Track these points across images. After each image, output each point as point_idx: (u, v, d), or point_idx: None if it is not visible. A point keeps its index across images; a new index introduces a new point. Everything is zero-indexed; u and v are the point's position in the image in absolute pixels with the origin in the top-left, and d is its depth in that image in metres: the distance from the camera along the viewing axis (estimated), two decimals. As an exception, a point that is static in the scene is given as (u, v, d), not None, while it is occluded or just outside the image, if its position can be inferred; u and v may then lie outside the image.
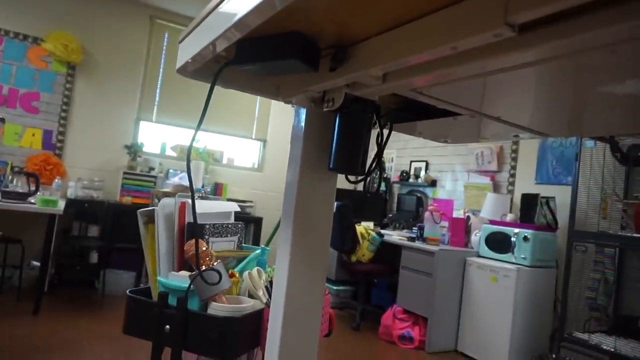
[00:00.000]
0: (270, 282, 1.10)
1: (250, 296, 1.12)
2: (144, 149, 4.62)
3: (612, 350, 2.62)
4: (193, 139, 0.71)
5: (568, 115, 0.70)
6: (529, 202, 3.59)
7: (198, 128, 0.72)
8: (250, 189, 5.31)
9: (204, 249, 1.02)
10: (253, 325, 1.03)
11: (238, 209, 1.41)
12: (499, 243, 3.52)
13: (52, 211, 3.24)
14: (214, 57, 0.66)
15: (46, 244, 3.29)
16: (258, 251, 1.31)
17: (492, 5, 0.41)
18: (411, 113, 0.84)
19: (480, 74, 0.52)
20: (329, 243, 0.89)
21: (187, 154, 0.73)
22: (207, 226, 1.21)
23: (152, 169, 4.59)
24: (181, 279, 1.08)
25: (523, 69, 0.49)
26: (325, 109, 0.75)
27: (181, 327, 0.98)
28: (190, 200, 1.20)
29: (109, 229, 4.08)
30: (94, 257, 4.07)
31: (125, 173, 4.31)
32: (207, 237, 1.20)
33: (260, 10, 0.46)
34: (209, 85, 0.72)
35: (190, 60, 0.68)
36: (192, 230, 1.19)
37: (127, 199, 4.21)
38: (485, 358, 3.28)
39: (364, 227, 4.24)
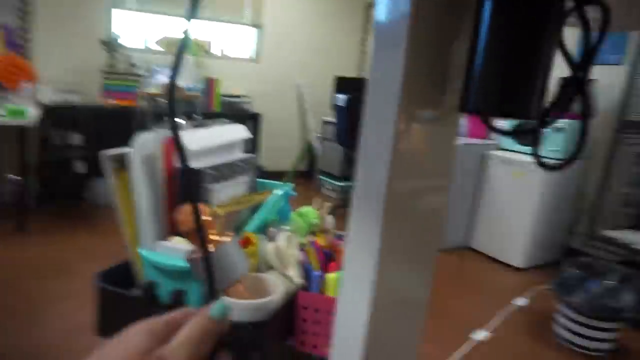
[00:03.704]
0: (304, 251, 0.78)
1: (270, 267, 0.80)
2: (124, 44, 4.01)
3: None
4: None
5: None
6: (566, 87, 3.17)
7: (193, 11, 0.37)
8: (247, 82, 4.80)
9: (207, 218, 0.68)
10: (284, 321, 0.73)
11: (248, 135, 1.04)
12: (525, 135, 3.19)
13: (21, 123, 2.83)
14: None
15: (21, 158, 2.94)
16: (278, 193, 0.97)
17: None
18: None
19: None
20: (440, 234, 0.55)
21: (177, 52, 0.38)
22: (207, 171, 0.85)
23: (133, 65, 4.03)
24: (174, 253, 0.76)
25: None
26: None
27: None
28: (179, 133, 0.83)
29: (94, 136, 3.69)
30: (79, 167, 3.74)
31: (105, 73, 3.78)
32: (208, 185, 0.85)
33: None
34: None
35: None
36: (186, 180, 0.83)
37: (111, 102, 3.75)
38: (500, 255, 3.16)
39: (373, 122, 3.87)
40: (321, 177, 4.93)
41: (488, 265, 3.08)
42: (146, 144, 0.82)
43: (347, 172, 4.65)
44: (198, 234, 0.69)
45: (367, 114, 0.50)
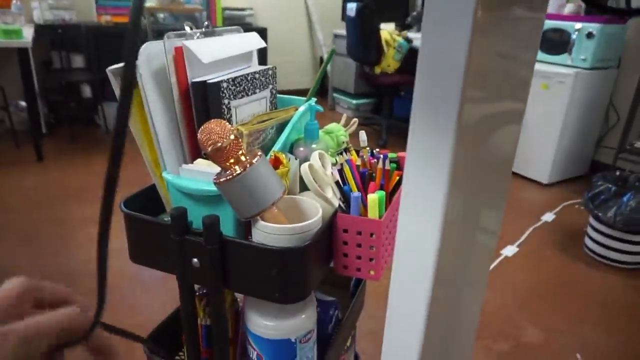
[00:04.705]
0: (340, 171, 0.71)
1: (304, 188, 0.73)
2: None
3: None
4: None
5: None
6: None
7: None
8: (249, -7, 4.48)
9: (231, 137, 0.59)
10: (324, 244, 0.67)
11: (262, 44, 0.92)
12: (553, 42, 2.96)
13: (19, 44, 2.67)
14: None
15: (26, 82, 2.82)
16: (302, 109, 0.88)
17: None
18: None
19: None
20: (512, 162, 0.46)
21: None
22: (224, 84, 0.75)
23: (126, -24, 3.75)
24: (202, 177, 0.69)
25: None
26: None
27: (217, 262, 0.62)
28: (188, 43, 0.72)
29: (95, 58, 3.53)
30: (87, 91, 3.63)
31: (96, -15, 3.52)
32: (226, 102, 0.76)
33: None
34: None
35: None
36: (203, 95, 0.74)
37: (107, 19, 3.52)
38: (525, 171, 3.08)
39: (389, 32, 3.63)
40: (335, 94, 4.76)
41: (514, 182, 3.02)
42: (154, 55, 0.71)
43: (362, 89, 4.46)
44: (225, 155, 0.61)
45: (428, 5, 0.39)
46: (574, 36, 2.81)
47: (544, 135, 2.93)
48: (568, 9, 3.05)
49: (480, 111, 0.41)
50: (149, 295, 1.75)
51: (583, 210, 2.23)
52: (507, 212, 2.45)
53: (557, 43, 2.93)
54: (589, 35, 2.74)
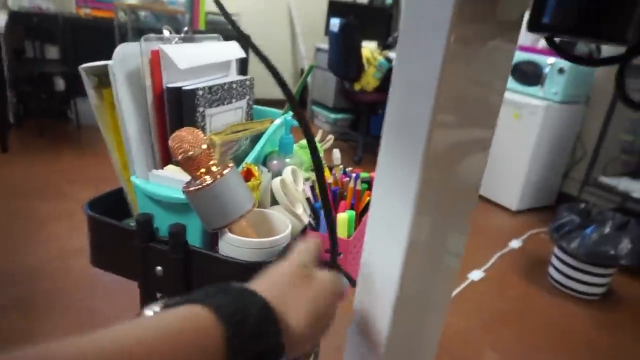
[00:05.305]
0: (312, 187, 0.70)
1: (274, 202, 0.72)
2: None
3: (640, 196, 2.46)
4: None
5: None
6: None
7: None
8: None
9: (203, 146, 0.58)
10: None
11: (242, 54, 0.91)
12: (527, 74, 3.07)
13: (-9, 30, 2.59)
14: None
15: (-5, 71, 2.73)
16: (277, 121, 0.88)
17: None
18: None
19: None
20: (479, 186, 0.47)
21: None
22: (200, 92, 0.74)
23: (110, -28, 3.69)
24: (171, 184, 0.67)
25: None
26: None
27: (180, 272, 0.61)
28: (165, 47, 0.71)
29: (71, 50, 3.44)
30: (60, 84, 3.53)
31: (78, -22, 3.45)
32: (201, 109, 0.75)
33: None
34: None
35: None
36: (177, 101, 0.73)
37: (86, 12, 3.45)
38: (494, 197, 3.16)
39: (370, 51, 3.68)
40: (314, 107, 4.78)
41: (483, 207, 3.08)
42: (130, 56, 0.70)
43: (341, 104, 4.50)
44: (196, 164, 0.60)
45: (404, 30, 0.40)
46: (546, 70, 2.92)
47: (514, 163, 3.01)
48: (542, 43, 3.17)
49: (449, 136, 0.42)
50: (109, 300, 1.69)
51: (548, 240, 2.29)
52: (475, 237, 2.47)
53: (531, 75, 3.03)
54: (560, 70, 2.85)
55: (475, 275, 2.20)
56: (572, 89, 2.89)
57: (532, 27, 0.36)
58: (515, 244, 2.59)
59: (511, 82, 3.17)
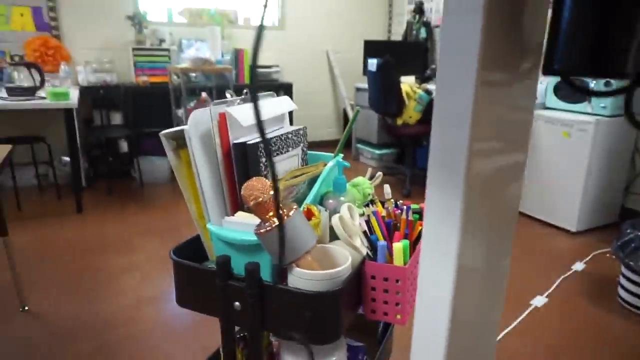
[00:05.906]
0: (367, 221, 0.77)
1: (333, 236, 0.80)
2: (149, 19, 4.03)
3: None
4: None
5: None
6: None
7: None
8: (274, 51, 4.75)
9: (270, 193, 0.67)
10: (354, 289, 0.73)
11: (293, 106, 1.02)
12: (571, 92, 3.03)
13: (66, 105, 2.91)
14: None
15: (70, 138, 3.04)
16: (330, 164, 0.96)
17: None
18: None
19: None
20: (518, 203, 0.53)
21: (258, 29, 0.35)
22: (262, 144, 0.84)
23: (162, 40, 4.07)
24: (242, 228, 0.76)
25: None
26: None
27: (257, 306, 0.69)
28: (230, 109, 0.82)
29: (132, 115, 3.77)
30: (124, 146, 3.85)
31: (134, 49, 3.83)
32: (263, 160, 0.84)
33: None
34: None
35: None
36: (243, 154, 0.83)
37: (143, 79, 3.80)
38: (552, 219, 3.07)
39: (409, 85, 3.77)
40: (358, 145, 4.89)
41: (541, 230, 2.99)
42: (200, 120, 0.82)
43: (384, 139, 4.58)
44: (276, 211, 0.69)
45: (440, 79, 0.47)
46: (592, 84, 2.87)
47: (569, 183, 2.93)
48: (584, 59, 3.14)
49: (488, 163, 0.47)
50: (180, 345, 1.79)
51: (614, 259, 2.19)
52: (535, 262, 2.42)
53: (576, 92, 2.99)
54: (607, 83, 2.80)
55: (538, 301, 2.13)
56: (621, 101, 2.82)
57: (546, 71, 0.42)
58: (578, 266, 2.49)
59: (556, 102, 3.14)
